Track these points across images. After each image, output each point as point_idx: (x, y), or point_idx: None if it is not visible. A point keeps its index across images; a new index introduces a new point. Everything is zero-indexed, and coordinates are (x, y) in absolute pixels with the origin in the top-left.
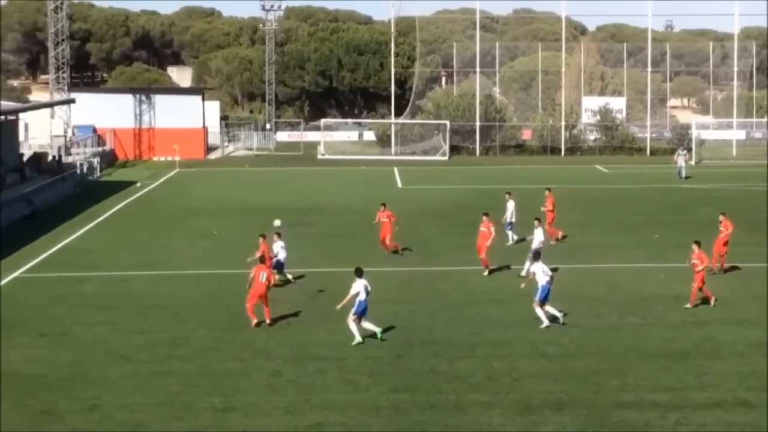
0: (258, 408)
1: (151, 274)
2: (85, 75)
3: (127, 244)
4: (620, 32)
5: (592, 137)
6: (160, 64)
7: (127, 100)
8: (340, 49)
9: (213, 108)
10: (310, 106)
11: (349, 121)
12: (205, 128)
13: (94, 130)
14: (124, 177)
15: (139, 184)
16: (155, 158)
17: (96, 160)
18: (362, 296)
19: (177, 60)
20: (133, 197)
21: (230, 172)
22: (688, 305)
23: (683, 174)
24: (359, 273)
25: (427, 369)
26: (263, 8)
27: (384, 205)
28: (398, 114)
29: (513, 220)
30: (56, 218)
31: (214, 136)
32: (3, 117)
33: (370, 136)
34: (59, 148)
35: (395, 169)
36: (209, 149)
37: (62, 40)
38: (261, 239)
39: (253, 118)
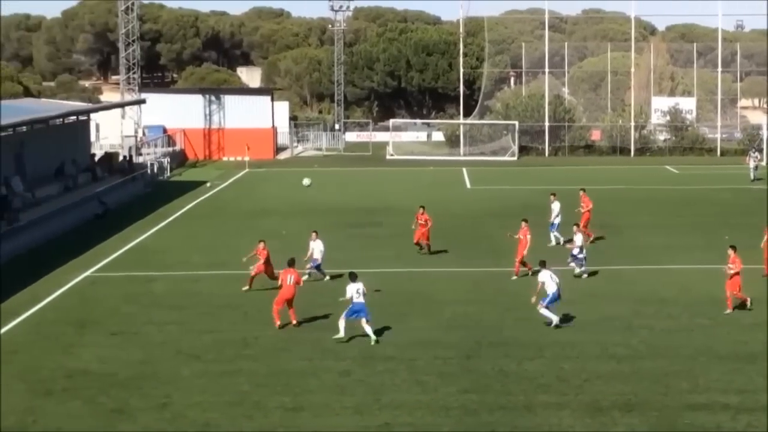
0: (327, 408)
1: (221, 274)
2: (156, 75)
3: (197, 243)
4: (690, 32)
5: (661, 138)
6: (229, 65)
7: (197, 101)
8: (409, 49)
9: (282, 108)
10: (379, 107)
11: (418, 121)
12: (274, 128)
13: (165, 131)
14: (194, 177)
15: (208, 184)
16: (225, 158)
17: (166, 160)
18: (357, 298)
19: (246, 60)
20: (203, 197)
21: (299, 172)
22: (728, 311)
23: (754, 175)
24: (353, 277)
25: (497, 370)
26: (332, 9)
27: (423, 207)
28: (467, 114)
29: (558, 221)
30: (127, 218)
31: (284, 137)
32: (75, 117)
33: (438, 136)
34: (130, 148)
35: (464, 170)
36: (278, 149)
37: (133, 40)
38: (261, 244)
39: (322, 118)
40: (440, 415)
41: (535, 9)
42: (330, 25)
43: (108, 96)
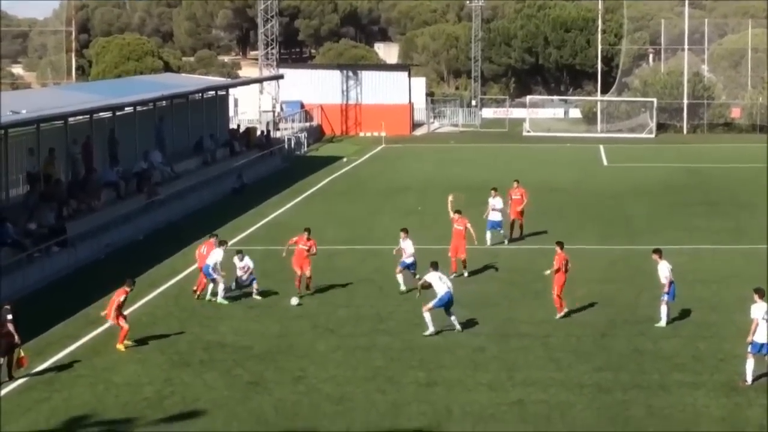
0: (461, 383)
1: (357, 249)
2: (294, 51)
3: (333, 219)
4: None
5: None
6: (367, 41)
7: (334, 76)
8: (547, 26)
9: (419, 84)
10: (516, 83)
11: (555, 98)
12: (411, 104)
13: (302, 106)
14: (330, 152)
15: (345, 160)
16: (361, 134)
17: (303, 136)
18: (440, 287)
19: (384, 36)
20: (340, 172)
21: (435, 148)
22: None
23: None
24: (435, 266)
25: (631, 348)
26: None
27: (517, 181)
28: (604, 91)
29: (497, 218)
30: (264, 193)
31: (420, 113)
32: (214, 92)
33: (575, 113)
34: (267, 123)
35: (601, 147)
36: (415, 125)
37: (271, 16)
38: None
39: (459, 94)
40: (574, 393)
41: None
42: (468, 2)
43: (246, 71)
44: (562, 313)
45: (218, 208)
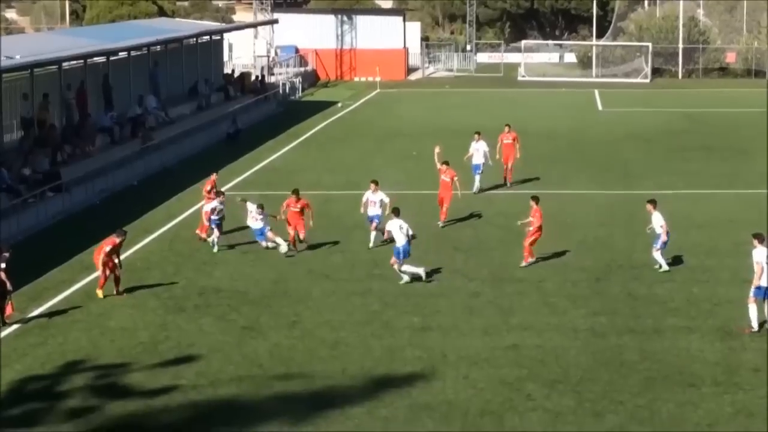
0: (456, 328)
1: (352, 194)
2: None
3: (328, 164)
4: None
5: None
6: None
7: (329, 21)
8: None
9: (414, 29)
10: (511, 28)
11: (550, 42)
12: (405, 49)
13: (297, 51)
14: (325, 97)
15: (340, 104)
16: (356, 78)
17: (298, 80)
18: (398, 240)
19: None
20: (334, 117)
21: (430, 93)
22: None
23: None
24: (396, 213)
25: (626, 293)
26: None
27: (508, 125)
28: (600, 36)
29: (480, 162)
30: (259, 137)
31: (415, 57)
32: (208, 37)
33: (571, 57)
34: (262, 68)
35: (596, 92)
36: (410, 70)
37: None
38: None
39: (454, 39)
40: (568, 337)
41: None
42: None
43: (241, 16)
44: (527, 263)
45: (213, 153)
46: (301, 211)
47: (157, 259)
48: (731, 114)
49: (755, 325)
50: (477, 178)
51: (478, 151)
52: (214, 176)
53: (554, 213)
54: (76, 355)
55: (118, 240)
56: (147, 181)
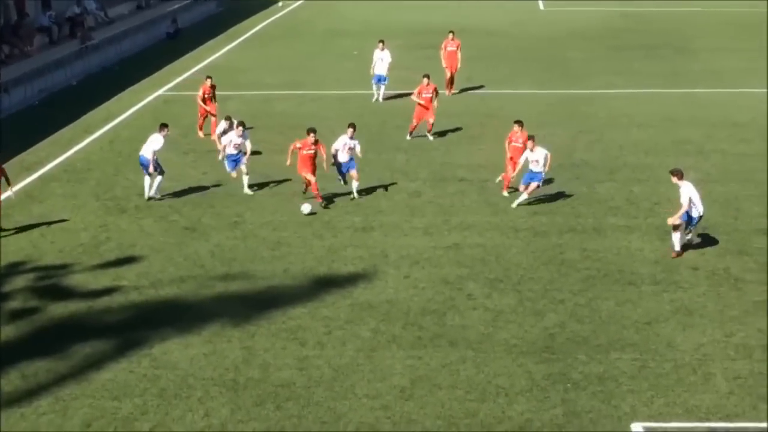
0: (397, 228)
1: (295, 94)
2: None
3: (270, 63)
4: None
5: None
6: None
7: None
8: None
9: None
10: None
11: None
12: None
13: None
14: None
15: (280, 4)
16: None
17: None
18: (343, 154)
19: None
20: (276, 17)
21: None
22: None
23: None
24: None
25: (567, 192)
26: None
27: (452, 32)
28: None
29: (382, 72)
30: (199, 37)
31: None
32: None
33: None
34: None
35: None
36: None
37: None
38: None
39: None
40: (510, 236)
41: None
42: None
43: None
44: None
45: (153, 52)
46: (315, 156)
47: (97, 159)
48: (673, 14)
49: (677, 247)
50: (382, 87)
51: (381, 60)
52: (208, 81)
53: (494, 113)
54: (17, 256)
55: None
56: (86, 81)
